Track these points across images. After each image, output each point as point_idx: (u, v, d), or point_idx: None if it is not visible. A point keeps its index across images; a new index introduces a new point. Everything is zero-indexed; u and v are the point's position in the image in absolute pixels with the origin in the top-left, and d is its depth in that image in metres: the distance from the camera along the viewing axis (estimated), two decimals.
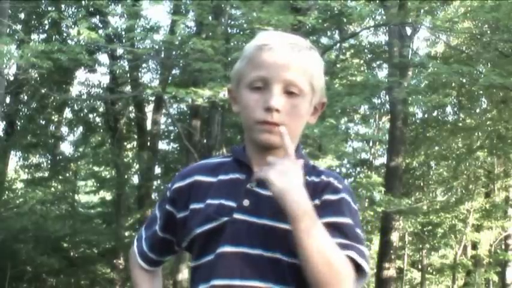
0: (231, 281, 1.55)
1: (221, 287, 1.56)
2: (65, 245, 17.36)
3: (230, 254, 1.57)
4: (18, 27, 14.11)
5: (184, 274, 14.07)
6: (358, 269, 1.55)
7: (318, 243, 1.48)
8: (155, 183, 19.54)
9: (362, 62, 17.67)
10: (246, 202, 1.60)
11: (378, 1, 13.53)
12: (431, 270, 22.38)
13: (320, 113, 1.72)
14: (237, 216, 1.59)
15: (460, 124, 18.06)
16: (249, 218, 1.59)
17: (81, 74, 31.46)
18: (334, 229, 1.55)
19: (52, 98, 17.14)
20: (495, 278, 19.53)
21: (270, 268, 1.55)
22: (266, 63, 1.60)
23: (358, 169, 21.14)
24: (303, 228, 1.48)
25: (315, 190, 1.60)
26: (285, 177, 1.50)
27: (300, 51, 1.63)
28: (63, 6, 16.05)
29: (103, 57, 16.67)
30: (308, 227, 1.48)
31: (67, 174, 19.57)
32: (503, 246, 19.67)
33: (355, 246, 1.55)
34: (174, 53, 12.26)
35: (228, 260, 1.57)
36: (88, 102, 18.29)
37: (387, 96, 16.42)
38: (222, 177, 1.67)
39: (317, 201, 1.58)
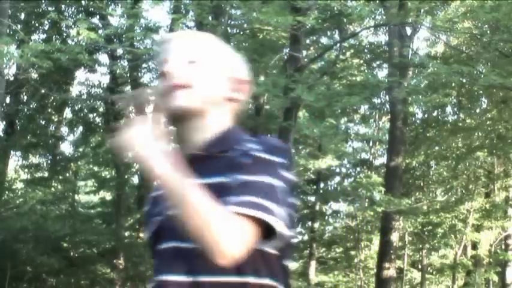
0: (166, 276, 1.55)
1: (159, 283, 1.57)
2: (65, 245, 17.36)
3: (164, 250, 1.58)
4: (18, 27, 14.10)
5: None
6: (269, 230, 1.48)
7: (188, 203, 1.43)
8: (155, 183, 19.50)
9: (362, 62, 17.66)
10: None
11: (377, 1, 13.53)
12: (431, 270, 22.37)
13: (246, 93, 1.70)
14: (170, 212, 1.55)
15: (460, 124, 18.06)
16: None
17: (81, 74, 31.48)
18: (237, 187, 1.49)
19: (52, 98, 17.15)
20: (495, 278, 19.53)
21: (201, 260, 1.48)
22: (166, 48, 1.66)
23: (358, 169, 21.15)
24: (169, 191, 1.46)
25: (227, 166, 1.54)
26: (136, 142, 1.49)
27: (196, 35, 1.70)
28: (63, 6, 16.06)
29: (103, 57, 16.70)
30: (175, 188, 1.45)
31: (67, 174, 19.57)
32: (503, 246, 19.67)
33: (245, 200, 1.47)
34: None
35: (162, 256, 1.58)
36: (88, 102, 18.29)
37: (387, 96, 16.42)
38: None
39: (226, 179, 1.52)
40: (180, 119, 1.60)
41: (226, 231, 1.42)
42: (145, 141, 1.49)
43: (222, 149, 1.58)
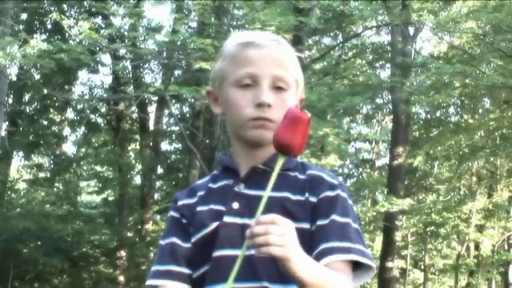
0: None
1: None
2: (68, 245, 17.37)
3: (226, 258, 1.55)
4: (21, 27, 14.10)
5: None
6: (362, 265, 1.59)
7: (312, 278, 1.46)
8: (157, 183, 19.54)
9: (364, 62, 17.65)
10: (235, 205, 1.60)
11: (380, 1, 13.51)
12: (433, 271, 22.36)
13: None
14: (227, 219, 1.59)
15: (463, 124, 18.03)
16: (240, 220, 1.58)
17: (83, 75, 31.50)
18: (337, 230, 1.57)
19: (54, 98, 17.16)
20: (498, 278, 19.52)
21: (265, 268, 1.53)
22: (253, 60, 1.62)
23: (360, 169, 21.14)
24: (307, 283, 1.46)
25: (304, 185, 1.61)
26: (284, 241, 1.40)
27: (283, 46, 1.66)
28: (65, 6, 16.07)
29: (105, 58, 16.69)
30: (315, 280, 1.47)
31: (69, 175, 19.57)
32: (506, 247, 19.66)
33: (357, 248, 1.57)
34: (176, 53, 12.26)
35: (224, 263, 1.54)
36: (90, 102, 18.30)
37: (390, 96, 16.40)
38: (211, 185, 1.69)
39: (313, 198, 1.60)
40: (255, 145, 1.64)
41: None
42: (292, 241, 1.42)
43: (285, 167, 1.58)
